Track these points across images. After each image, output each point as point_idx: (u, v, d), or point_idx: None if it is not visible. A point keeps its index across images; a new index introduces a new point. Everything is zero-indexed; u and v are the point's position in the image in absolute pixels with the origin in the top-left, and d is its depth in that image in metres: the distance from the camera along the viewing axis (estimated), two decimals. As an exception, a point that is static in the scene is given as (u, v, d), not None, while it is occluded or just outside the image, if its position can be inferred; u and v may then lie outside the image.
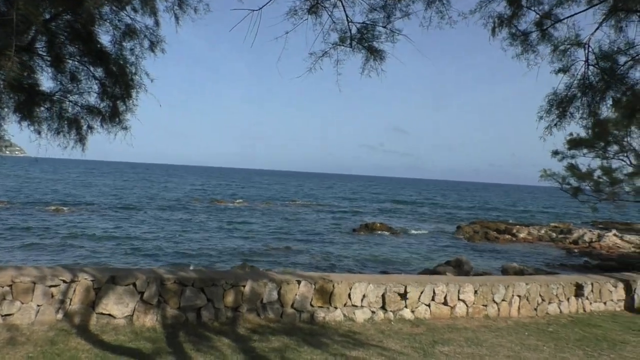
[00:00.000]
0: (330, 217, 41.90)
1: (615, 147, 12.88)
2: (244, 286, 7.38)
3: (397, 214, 49.03)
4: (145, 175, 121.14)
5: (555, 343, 7.53)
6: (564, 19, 5.16)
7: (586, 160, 13.93)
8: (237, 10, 4.37)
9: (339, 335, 7.04)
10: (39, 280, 6.55)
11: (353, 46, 4.90)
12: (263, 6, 4.40)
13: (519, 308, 9.11)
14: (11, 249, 19.22)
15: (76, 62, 5.65)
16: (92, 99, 5.98)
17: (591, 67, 5.09)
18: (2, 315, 6.23)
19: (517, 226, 36.32)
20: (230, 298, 7.29)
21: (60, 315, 6.58)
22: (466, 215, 51.92)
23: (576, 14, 5.08)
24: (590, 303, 9.99)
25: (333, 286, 7.80)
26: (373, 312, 7.99)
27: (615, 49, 4.93)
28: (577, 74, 5.22)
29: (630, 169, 12.81)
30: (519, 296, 9.15)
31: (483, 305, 8.80)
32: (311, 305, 7.68)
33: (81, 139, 6.10)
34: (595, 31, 4.89)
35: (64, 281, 6.67)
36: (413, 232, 33.64)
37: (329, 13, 4.83)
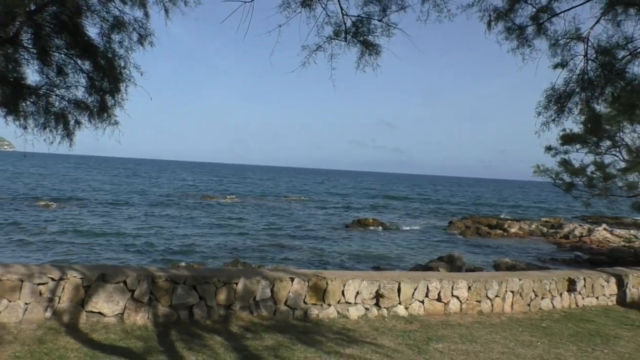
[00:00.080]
0: (322, 212, 41.86)
1: (608, 143, 12.92)
2: (237, 284, 7.28)
3: (388, 209, 49.11)
4: (136, 170, 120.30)
5: (549, 339, 7.52)
6: (560, 12, 5.09)
7: (579, 156, 13.97)
8: (229, 3, 4.26)
9: (332, 333, 6.97)
10: (26, 278, 6.40)
11: (348, 40, 4.79)
12: (255, -3, 4.29)
13: (512, 304, 9.10)
14: (-1, 246, 18.95)
15: (63, 55, 5.49)
16: (80, 93, 5.83)
17: (590, 62, 5.03)
18: (-12, 314, 6.09)
19: (509, 221, 36.53)
20: (222, 296, 7.19)
21: (48, 314, 6.45)
22: (457, 210, 52.14)
23: (573, 7, 5.01)
24: (583, 298, 10.02)
25: (326, 283, 7.73)
26: (367, 308, 7.93)
27: (614, 43, 4.86)
28: (576, 69, 5.16)
29: (622, 164, 12.88)
30: (512, 292, 9.14)
31: (477, 301, 8.77)
32: (304, 302, 7.60)
33: (68, 134, 5.95)
34: (594, 25, 4.83)
35: (53, 279, 6.53)
36: (405, 227, 33.70)
37: (323, 6, 4.72)
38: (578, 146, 13.33)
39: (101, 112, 5.86)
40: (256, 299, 7.37)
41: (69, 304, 6.54)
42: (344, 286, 7.83)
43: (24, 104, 5.51)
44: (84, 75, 5.70)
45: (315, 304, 7.65)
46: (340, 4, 4.71)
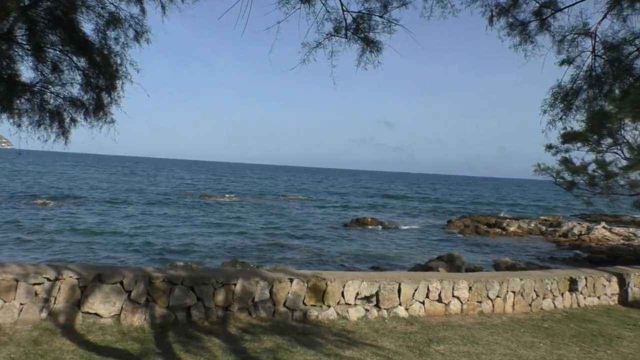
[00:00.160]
0: (321, 211, 41.78)
1: (609, 140, 12.82)
2: (235, 284, 7.18)
3: (387, 208, 49.04)
4: (133, 169, 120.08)
5: (551, 339, 7.44)
6: (564, 7, 4.98)
7: (580, 154, 13.85)
8: (227, 0, 4.15)
9: (332, 335, 6.88)
10: (22, 277, 6.31)
11: (348, 37, 4.67)
12: (254, -8, 4.17)
13: (513, 304, 9.02)
14: (-4, 245, 18.82)
15: (58, 52, 5.38)
16: (75, 90, 5.71)
17: (598, 58, 4.92)
18: (-17, 315, 5.99)
19: (507, 220, 36.48)
20: (220, 297, 7.09)
21: (44, 315, 6.35)
22: (456, 209, 52.09)
23: (577, 3, 4.91)
24: (585, 298, 9.95)
25: (326, 284, 7.63)
26: (367, 310, 7.84)
27: (621, 39, 4.75)
28: (584, 65, 5.04)
29: (624, 162, 12.78)
30: (513, 292, 9.05)
31: (477, 301, 8.69)
32: (304, 303, 7.50)
33: (64, 132, 5.83)
34: (601, 20, 4.71)
35: (48, 279, 6.43)
36: (404, 226, 33.63)
37: (323, 2, 4.61)
38: (579, 144, 13.23)
39: (97, 110, 5.74)
40: (255, 300, 7.28)
41: (64, 304, 6.45)
42: (343, 287, 7.74)
43: (18, 102, 5.39)
44: (80, 72, 5.58)
45: (314, 305, 7.55)
46: (340, 0, 4.60)
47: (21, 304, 6.26)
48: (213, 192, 56.01)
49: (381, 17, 4.60)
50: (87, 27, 5.39)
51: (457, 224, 34.39)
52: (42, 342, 5.67)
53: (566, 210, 55.64)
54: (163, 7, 5.46)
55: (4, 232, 21.28)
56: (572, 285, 9.83)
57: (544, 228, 33.61)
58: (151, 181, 72.12)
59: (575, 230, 31.14)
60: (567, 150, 13.46)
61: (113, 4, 5.39)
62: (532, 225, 34.42)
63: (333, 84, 4.54)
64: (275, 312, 7.35)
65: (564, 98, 5.19)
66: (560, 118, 5.26)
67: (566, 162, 13.39)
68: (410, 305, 8.14)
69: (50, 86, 5.55)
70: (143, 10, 5.58)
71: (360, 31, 4.66)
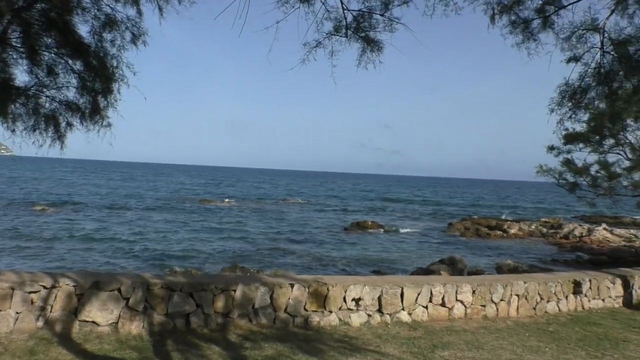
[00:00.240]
0: (321, 215, 41.67)
1: (611, 141, 12.72)
2: (235, 290, 7.06)
3: (387, 212, 48.92)
4: (132, 174, 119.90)
5: (556, 344, 7.32)
6: (568, 4, 4.88)
7: (582, 155, 13.72)
8: (225, 1, 4.04)
9: (334, 341, 6.75)
10: (17, 285, 6.18)
11: (349, 36, 4.55)
12: (252, -9, 4.06)
13: (517, 307, 8.90)
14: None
15: (53, 55, 5.27)
16: (71, 94, 5.60)
17: (606, 55, 4.79)
18: (-22, 324, 5.87)
19: (508, 222, 36.39)
20: (220, 303, 6.97)
21: (40, 323, 6.22)
22: (457, 211, 51.97)
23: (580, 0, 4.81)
24: (589, 300, 9.83)
25: (327, 289, 7.51)
26: (369, 315, 7.71)
27: (630, 35, 4.63)
28: (592, 62, 4.92)
29: (627, 163, 12.66)
30: (517, 295, 8.93)
31: (481, 305, 8.56)
32: (305, 309, 7.37)
33: (60, 137, 5.72)
34: (609, 16, 4.60)
35: (44, 287, 6.31)
36: (404, 229, 33.50)
37: (323, 0, 4.50)
38: (581, 145, 13.12)
39: (93, 113, 5.63)
40: (255, 306, 7.15)
41: (61, 312, 6.32)
42: (345, 292, 7.62)
43: (12, 106, 5.27)
44: (75, 75, 5.47)
45: (316, 311, 7.43)
46: None
47: (17, 312, 6.13)
48: (212, 196, 55.87)
49: (382, 15, 4.49)
50: (83, 29, 5.29)
51: (457, 226, 34.30)
52: (38, 352, 5.55)
53: (566, 212, 55.54)
54: (160, 9, 5.36)
55: (2, 240, 21.13)
56: (576, 288, 9.72)
57: (544, 230, 33.51)
58: (150, 186, 71.97)
59: (576, 232, 31.03)
60: (569, 152, 13.35)
61: (109, 6, 5.29)
62: (533, 227, 34.32)
63: (334, 84, 4.44)
64: (276, 319, 7.23)
65: (572, 96, 5.07)
66: (570, 117, 5.16)
67: (568, 164, 13.27)
68: (413, 310, 8.01)
69: (45, 90, 5.44)
70: (140, 12, 5.48)
71: (360, 30, 4.54)
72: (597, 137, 12.57)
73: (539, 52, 4.88)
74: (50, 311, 6.29)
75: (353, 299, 7.63)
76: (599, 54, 4.82)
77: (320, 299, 7.46)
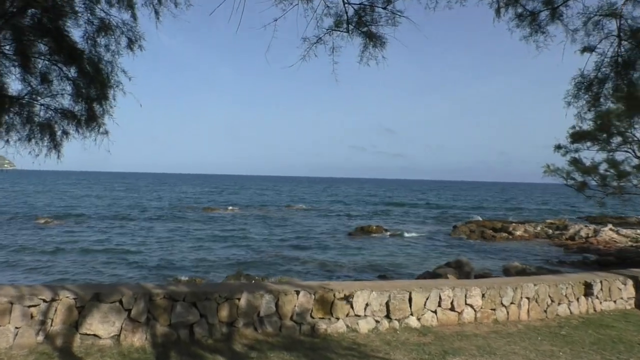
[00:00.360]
0: (325, 221, 41.47)
1: (619, 139, 12.49)
2: (239, 299, 6.90)
3: (391, 216, 48.68)
4: (135, 184, 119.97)
5: (570, 348, 7.11)
6: None
7: (590, 154, 13.44)
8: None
9: (342, 348, 6.58)
10: (16, 300, 6.05)
11: (350, 30, 4.39)
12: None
13: (528, 311, 8.69)
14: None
15: (46, 62, 5.14)
16: (66, 101, 5.46)
17: (623, 42, 4.59)
18: (-24, 340, 5.72)
19: (513, 224, 36.09)
20: (224, 312, 6.81)
21: (40, 338, 6.08)
22: (461, 214, 51.67)
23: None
24: (600, 302, 9.60)
25: (334, 295, 7.34)
26: (377, 321, 7.53)
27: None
28: (608, 51, 4.72)
29: (636, 161, 12.41)
30: (527, 298, 8.73)
31: (491, 309, 8.36)
32: (311, 316, 7.20)
33: (56, 146, 5.58)
34: (624, 2, 4.40)
35: (44, 300, 6.17)
36: (409, 233, 33.26)
37: (323, -5, 4.34)
38: (588, 144, 12.89)
39: (89, 120, 5.49)
40: (260, 314, 6.99)
41: (62, 326, 6.19)
42: (352, 298, 7.44)
43: (6, 116, 5.14)
44: (70, 82, 5.34)
45: (322, 318, 7.25)
46: None
47: (16, 327, 6.01)
48: (216, 205, 55.72)
49: (384, 8, 4.33)
50: (76, 34, 5.16)
51: (462, 229, 34.05)
52: (39, 367, 5.40)
53: (571, 213, 55.17)
54: (156, 13, 5.23)
55: (6, 253, 21.02)
56: (588, 290, 9.50)
57: (550, 231, 33.21)
58: (153, 196, 71.91)
59: (582, 233, 30.73)
60: (576, 150, 13.10)
61: (103, 10, 5.16)
62: (539, 228, 34.04)
63: (335, 81, 4.29)
64: (282, 327, 7.06)
65: (588, 88, 4.89)
66: (589, 109, 4.97)
67: (576, 163, 13.04)
68: (422, 315, 7.83)
69: (39, 98, 5.31)
70: (134, 17, 5.35)
71: (362, 24, 4.37)
72: (605, 135, 12.35)
73: (547, 45, 4.70)
74: (51, 325, 6.16)
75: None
76: (615, 42, 4.62)
77: (327, 306, 7.29)
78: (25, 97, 5.25)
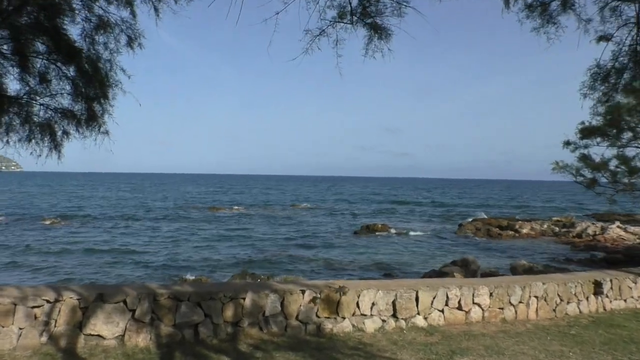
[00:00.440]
0: (330, 219, 41.39)
1: (629, 134, 12.26)
2: (244, 298, 6.83)
3: (396, 214, 48.52)
4: (141, 185, 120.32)
5: (580, 348, 6.99)
6: None
7: (600, 150, 13.16)
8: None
9: (348, 348, 6.49)
10: (20, 301, 6.01)
11: (354, 22, 4.24)
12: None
13: (537, 310, 8.57)
14: (2, 269, 18.58)
15: (44, 61, 5.06)
16: (66, 101, 5.38)
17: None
18: (-20, 341, 5.68)
19: (520, 222, 35.86)
20: (229, 312, 6.74)
21: (44, 339, 6.04)
22: (467, 212, 51.42)
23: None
24: (610, 301, 9.45)
25: (340, 295, 7.25)
26: (384, 320, 7.43)
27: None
28: (626, 40, 4.54)
29: None
30: (536, 297, 8.61)
31: (499, 308, 8.25)
32: (317, 316, 7.12)
33: (56, 146, 5.51)
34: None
35: (48, 301, 6.13)
36: (414, 232, 33.12)
37: (325, -15, 4.21)
38: (598, 139, 12.65)
39: (89, 120, 5.41)
40: (265, 314, 6.92)
41: (65, 327, 6.14)
42: (358, 297, 7.36)
43: (6, 117, 5.06)
44: (69, 81, 5.26)
45: (328, 318, 7.17)
46: None
47: (20, 328, 5.97)
48: (221, 204, 55.76)
49: None
50: (74, 32, 5.07)
51: (468, 227, 33.87)
52: (42, 369, 5.35)
53: (578, 210, 54.81)
54: (156, 10, 5.14)
55: (12, 254, 21.08)
56: (597, 288, 9.36)
57: (557, 229, 32.95)
58: (159, 196, 72.05)
59: (590, 231, 30.47)
60: (586, 146, 12.86)
61: (101, 8, 5.06)
62: (545, 226, 33.79)
63: (340, 75, 4.17)
64: (287, 326, 6.98)
65: (605, 78, 4.73)
66: (607, 100, 4.82)
67: (585, 159, 12.81)
68: (429, 314, 7.73)
69: (38, 97, 5.23)
70: (134, 14, 5.25)
71: (367, 15, 4.23)
72: (615, 130, 12.12)
73: (559, 37, 4.54)
74: (55, 326, 6.12)
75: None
76: (634, 29, 4.44)
77: (333, 305, 7.21)
78: (24, 97, 5.17)
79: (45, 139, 5.44)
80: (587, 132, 12.63)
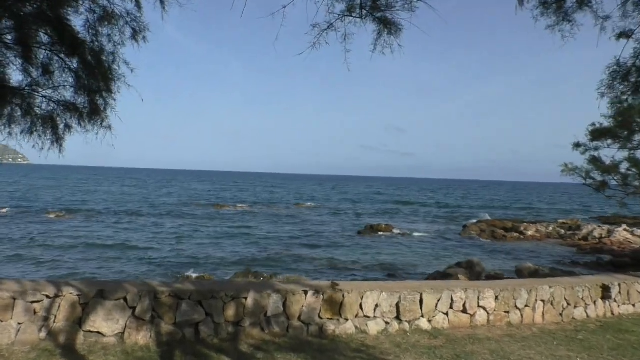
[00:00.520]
0: (334, 219, 41.28)
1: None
2: (246, 298, 6.73)
3: (400, 215, 48.34)
4: (145, 180, 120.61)
5: (588, 353, 6.85)
6: None
7: (610, 153, 12.94)
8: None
9: (351, 351, 6.39)
10: (19, 295, 5.94)
11: (363, 16, 4.12)
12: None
13: (543, 314, 8.43)
14: (5, 261, 18.59)
15: (47, 52, 4.97)
16: (69, 93, 5.29)
17: None
18: (-22, 336, 5.62)
19: (525, 224, 35.62)
20: (231, 311, 6.64)
21: (43, 334, 5.97)
22: (471, 213, 51.17)
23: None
24: (619, 305, 9.30)
25: (343, 295, 7.15)
26: (387, 322, 7.32)
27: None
28: None
29: None
30: (542, 301, 8.47)
31: (505, 312, 8.12)
32: (319, 317, 7.01)
33: (58, 140, 5.43)
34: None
35: (47, 296, 6.06)
36: (418, 232, 32.98)
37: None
38: (609, 141, 12.45)
39: (92, 114, 5.32)
40: (267, 314, 6.82)
41: (65, 323, 6.07)
42: (361, 298, 7.24)
43: (8, 108, 4.98)
44: (72, 73, 5.17)
45: (331, 319, 7.06)
46: None
47: (19, 323, 5.90)
48: (225, 202, 55.76)
49: None
50: (78, 23, 4.97)
51: (473, 229, 33.67)
52: (40, 365, 5.28)
53: (584, 212, 54.45)
54: (162, 2, 5.03)
55: (16, 248, 21.10)
56: (605, 293, 9.21)
57: (562, 232, 32.72)
58: (164, 192, 72.17)
59: (596, 234, 30.22)
60: (596, 148, 12.66)
61: (107, -1, 4.96)
62: (551, 228, 33.56)
63: (348, 70, 4.07)
64: (289, 327, 6.88)
65: (625, 77, 4.57)
66: (627, 99, 4.67)
67: (595, 161, 12.61)
68: (433, 317, 7.60)
69: (40, 89, 5.14)
70: (139, 6, 5.15)
71: (377, 9, 4.11)
72: (626, 132, 11.92)
73: (574, 35, 4.41)
74: (54, 321, 6.05)
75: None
76: None
77: (336, 306, 7.10)
78: (26, 88, 5.09)
79: (47, 131, 5.36)
80: (597, 133, 12.44)
